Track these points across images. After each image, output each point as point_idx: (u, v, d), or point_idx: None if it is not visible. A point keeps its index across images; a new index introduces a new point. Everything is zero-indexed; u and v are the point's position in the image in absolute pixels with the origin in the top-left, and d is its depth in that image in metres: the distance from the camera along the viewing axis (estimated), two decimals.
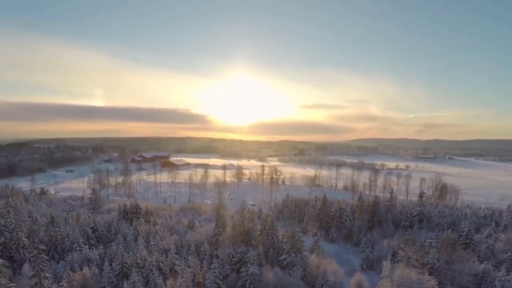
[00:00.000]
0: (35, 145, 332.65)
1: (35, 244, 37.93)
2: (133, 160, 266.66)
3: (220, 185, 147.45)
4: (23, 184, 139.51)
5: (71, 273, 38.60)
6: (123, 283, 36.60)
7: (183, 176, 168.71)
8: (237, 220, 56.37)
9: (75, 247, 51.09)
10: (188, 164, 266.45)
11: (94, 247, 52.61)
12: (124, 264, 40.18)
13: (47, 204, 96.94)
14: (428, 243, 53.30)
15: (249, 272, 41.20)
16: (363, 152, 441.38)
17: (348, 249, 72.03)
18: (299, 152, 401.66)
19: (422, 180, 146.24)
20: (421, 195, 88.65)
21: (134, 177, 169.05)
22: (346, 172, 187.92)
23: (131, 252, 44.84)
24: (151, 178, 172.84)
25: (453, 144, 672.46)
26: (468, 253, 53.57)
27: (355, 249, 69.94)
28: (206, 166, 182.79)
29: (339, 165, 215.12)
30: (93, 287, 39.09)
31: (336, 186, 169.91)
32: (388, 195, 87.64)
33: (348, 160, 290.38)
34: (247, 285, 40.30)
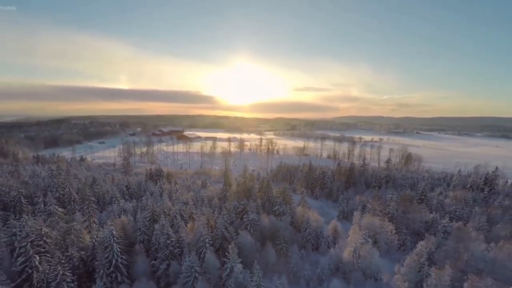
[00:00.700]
0: (73, 121, 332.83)
1: (86, 196, 40.56)
2: (153, 134, 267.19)
3: (226, 154, 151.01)
4: (65, 153, 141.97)
5: (113, 219, 41.64)
6: (153, 227, 39.47)
7: (195, 147, 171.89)
8: (241, 180, 59.35)
9: (114, 201, 54.38)
10: (199, 137, 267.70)
11: (128, 201, 55.90)
12: (154, 212, 43.05)
13: (86, 169, 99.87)
14: (390, 198, 56.58)
15: (250, 218, 44.48)
16: (345, 127, 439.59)
17: (328, 204, 74.97)
18: (291, 128, 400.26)
19: (391, 150, 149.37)
20: (387, 161, 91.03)
21: (155, 147, 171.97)
22: (330, 144, 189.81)
23: (158, 204, 47.70)
24: (169, 149, 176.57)
25: (421, 121, 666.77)
26: (422, 206, 57.05)
27: (334, 204, 72.76)
28: (214, 139, 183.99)
29: (324, 138, 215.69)
30: (130, 230, 42.25)
31: (321, 155, 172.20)
32: (361, 162, 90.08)
33: (331, 134, 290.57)
34: (248, 228, 43.60)
